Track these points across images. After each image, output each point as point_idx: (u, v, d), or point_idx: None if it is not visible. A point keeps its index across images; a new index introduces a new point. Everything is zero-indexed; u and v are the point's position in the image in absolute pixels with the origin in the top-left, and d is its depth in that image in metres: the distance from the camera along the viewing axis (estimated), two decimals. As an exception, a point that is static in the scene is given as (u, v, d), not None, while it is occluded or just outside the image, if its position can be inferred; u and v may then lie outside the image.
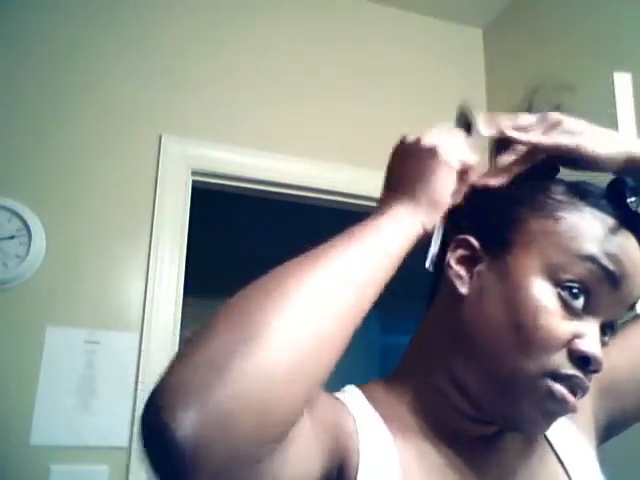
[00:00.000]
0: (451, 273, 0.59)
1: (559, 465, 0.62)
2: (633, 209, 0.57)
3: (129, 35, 1.81)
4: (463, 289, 0.58)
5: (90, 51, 1.75)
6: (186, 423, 0.37)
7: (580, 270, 0.54)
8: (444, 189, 0.56)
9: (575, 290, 0.54)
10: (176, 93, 1.81)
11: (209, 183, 1.82)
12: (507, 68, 2.12)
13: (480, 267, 0.59)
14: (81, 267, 1.60)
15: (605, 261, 0.54)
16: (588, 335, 0.54)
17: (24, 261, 1.53)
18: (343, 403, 0.58)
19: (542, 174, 0.61)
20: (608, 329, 0.57)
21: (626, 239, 0.56)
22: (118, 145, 1.71)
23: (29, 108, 1.66)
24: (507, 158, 0.62)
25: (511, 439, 0.62)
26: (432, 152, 0.56)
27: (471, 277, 0.59)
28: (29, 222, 1.56)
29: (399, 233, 0.53)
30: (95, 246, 1.62)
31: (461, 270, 0.59)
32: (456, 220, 0.62)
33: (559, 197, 0.58)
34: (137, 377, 1.55)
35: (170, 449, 0.37)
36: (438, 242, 0.57)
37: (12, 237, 1.55)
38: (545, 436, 0.64)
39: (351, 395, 0.60)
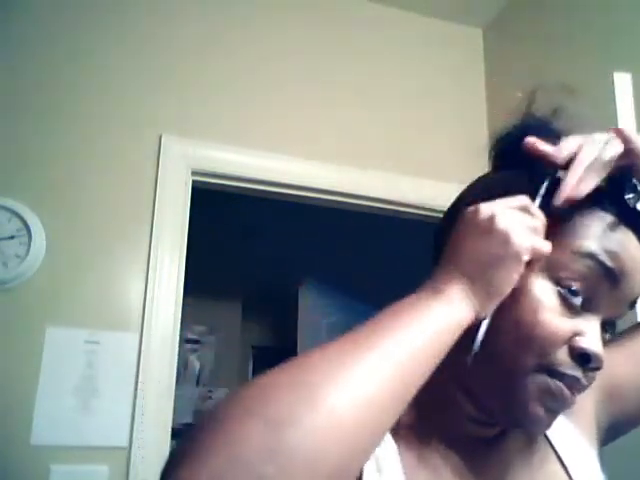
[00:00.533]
0: None
1: (560, 465, 0.63)
2: (631, 206, 0.57)
3: (129, 35, 1.81)
4: None
5: (90, 52, 1.75)
6: None
7: (580, 267, 0.54)
8: (508, 281, 0.52)
9: (575, 288, 0.54)
10: (176, 93, 1.81)
11: (209, 183, 1.82)
12: (507, 68, 2.12)
13: None
14: (81, 267, 1.60)
15: (604, 258, 0.54)
16: (589, 332, 0.54)
17: (24, 261, 1.53)
18: None
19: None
20: (609, 327, 0.58)
21: (625, 236, 0.56)
22: (118, 145, 1.71)
23: (29, 108, 1.66)
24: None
25: (512, 440, 0.62)
26: (504, 239, 0.52)
27: None
28: (29, 222, 1.56)
29: (451, 319, 0.50)
30: (95, 246, 1.62)
31: None
32: (455, 218, 0.62)
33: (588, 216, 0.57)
34: (137, 377, 1.55)
35: None
36: (484, 329, 0.53)
37: (12, 237, 1.55)
38: (546, 437, 0.64)
39: None
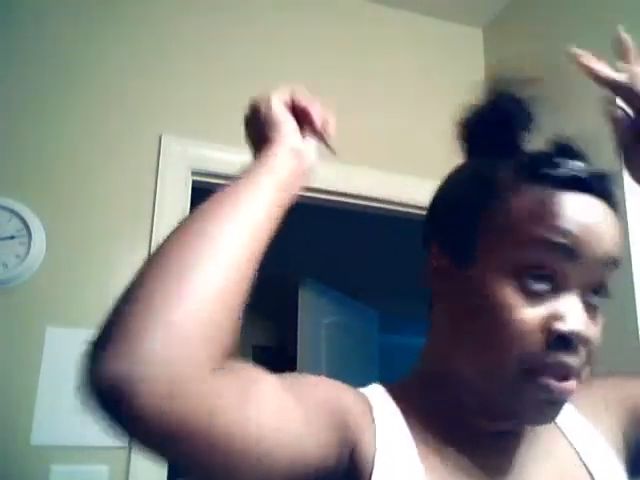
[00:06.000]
0: (432, 285, 0.62)
1: (581, 464, 0.61)
2: (580, 175, 0.56)
3: (129, 35, 1.81)
4: (442, 300, 0.61)
5: (90, 51, 1.75)
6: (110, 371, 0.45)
7: (536, 254, 0.54)
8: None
9: (537, 274, 0.54)
10: (176, 93, 1.81)
11: (209, 183, 1.82)
12: (507, 68, 2.12)
13: (453, 275, 0.60)
14: (81, 267, 1.60)
15: (557, 238, 0.53)
16: (565, 312, 0.53)
17: (24, 261, 1.53)
18: (361, 393, 0.60)
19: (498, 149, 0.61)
20: (599, 290, 0.56)
21: (575, 205, 0.55)
22: (118, 145, 1.71)
23: (29, 108, 1.66)
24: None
25: (526, 432, 0.61)
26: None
27: (448, 287, 0.60)
28: (29, 222, 1.56)
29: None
30: (95, 246, 1.62)
31: (437, 281, 0.61)
32: (430, 231, 0.64)
33: (506, 184, 0.57)
34: (137, 377, 1.55)
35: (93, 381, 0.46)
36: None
37: (12, 237, 1.55)
38: (565, 435, 0.63)
39: (374, 390, 0.62)
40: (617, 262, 0.56)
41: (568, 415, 0.65)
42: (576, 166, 0.56)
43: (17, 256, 1.54)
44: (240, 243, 0.52)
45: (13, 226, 1.55)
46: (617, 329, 1.43)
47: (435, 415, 0.60)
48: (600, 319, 0.57)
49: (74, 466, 1.47)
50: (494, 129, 0.62)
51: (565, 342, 0.52)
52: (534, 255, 0.54)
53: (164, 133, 1.75)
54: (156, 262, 0.51)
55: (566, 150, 0.57)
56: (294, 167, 0.63)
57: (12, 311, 1.52)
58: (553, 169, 0.56)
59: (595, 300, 0.56)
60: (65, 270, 1.59)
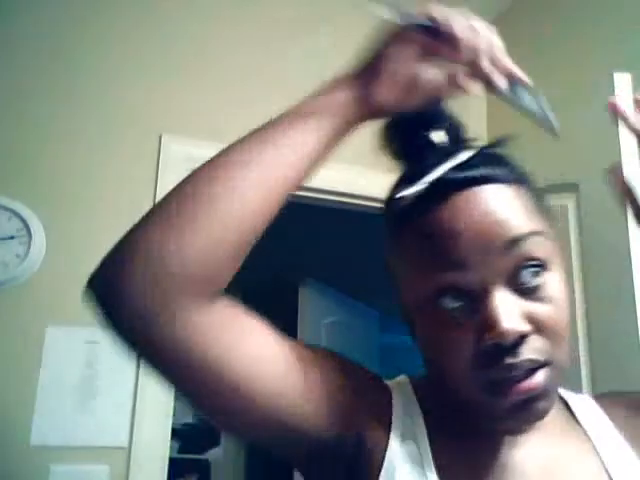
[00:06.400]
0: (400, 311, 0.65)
1: (600, 465, 0.59)
2: (438, 181, 0.55)
3: (129, 35, 1.81)
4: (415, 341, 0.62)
5: (90, 51, 1.75)
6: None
7: (434, 283, 0.53)
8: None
9: (449, 299, 0.52)
10: (176, 93, 1.81)
11: (209, 183, 1.82)
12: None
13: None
14: (81, 267, 1.59)
15: (440, 261, 0.52)
16: (490, 318, 0.50)
17: (24, 261, 1.53)
18: (384, 385, 0.62)
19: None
20: (532, 268, 0.52)
21: (446, 216, 0.53)
22: (118, 145, 1.71)
23: (29, 108, 1.66)
24: None
25: (543, 434, 0.60)
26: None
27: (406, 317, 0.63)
28: (29, 222, 1.56)
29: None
30: (95, 246, 1.62)
31: (401, 311, 0.64)
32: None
33: (387, 231, 0.61)
34: (137, 377, 1.55)
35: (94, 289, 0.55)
36: None
37: (12, 237, 1.55)
38: (589, 438, 0.62)
39: (400, 383, 0.64)
40: (525, 235, 0.52)
41: (596, 421, 0.63)
42: (425, 179, 0.55)
43: (17, 256, 1.54)
44: (268, 185, 0.56)
45: (13, 226, 1.55)
46: (617, 329, 1.43)
47: (449, 412, 0.60)
48: (551, 292, 0.53)
49: (74, 466, 1.47)
50: (405, 134, 0.66)
51: (502, 347, 0.50)
52: (432, 284, 0.53)
53: (164, 133, 1.75)
54: (183, 192, 0.57)
55: (417, 166, 0.59)
56: (351, 118, 0.62)
57: (12, 311, 1.52)
58: (406, 198, 0.55)
59: (532, 280, 0.52)
60: (65, 270, 1.58)
